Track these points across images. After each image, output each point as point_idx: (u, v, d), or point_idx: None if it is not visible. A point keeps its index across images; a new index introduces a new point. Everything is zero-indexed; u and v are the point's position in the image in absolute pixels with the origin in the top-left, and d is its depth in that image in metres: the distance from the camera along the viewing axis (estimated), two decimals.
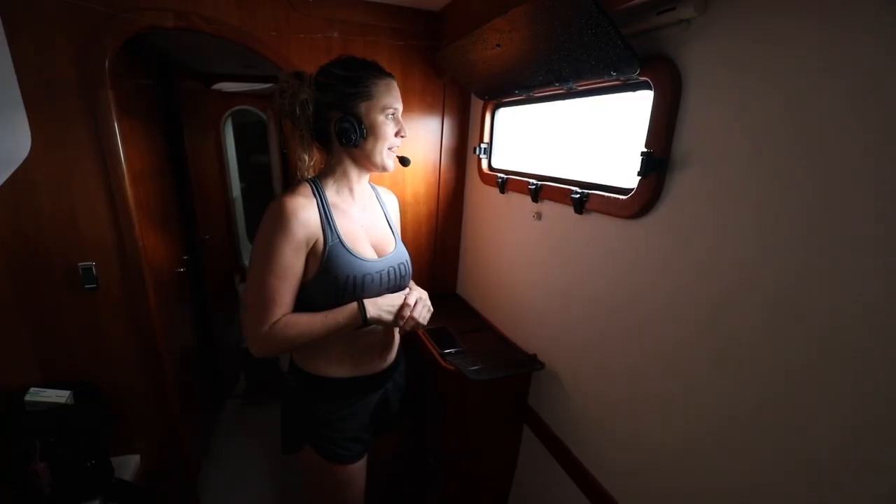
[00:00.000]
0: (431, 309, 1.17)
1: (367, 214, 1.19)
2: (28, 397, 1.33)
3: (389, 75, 1.08)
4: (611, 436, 1.14)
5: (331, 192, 1.11)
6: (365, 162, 1.10)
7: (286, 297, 1.04)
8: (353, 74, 1.05)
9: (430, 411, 1.56)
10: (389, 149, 1.10)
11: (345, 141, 1.05)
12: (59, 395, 1.37)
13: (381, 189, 1.31)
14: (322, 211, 1.06)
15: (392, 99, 1.07)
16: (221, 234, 3.14)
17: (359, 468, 1.24)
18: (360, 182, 1.16)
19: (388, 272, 1.14)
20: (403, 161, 1.19)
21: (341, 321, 1.05)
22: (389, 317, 1.09)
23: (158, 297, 1.57)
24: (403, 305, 1.10)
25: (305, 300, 1.07)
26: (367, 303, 1.07)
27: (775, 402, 0.75)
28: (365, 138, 1.06)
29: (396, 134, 1.10)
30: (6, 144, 1.21)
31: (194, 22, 1.32)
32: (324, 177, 1.13)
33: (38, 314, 1.38)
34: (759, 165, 0.76)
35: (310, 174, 1.14)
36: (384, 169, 1.11)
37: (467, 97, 1.79)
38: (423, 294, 1.18)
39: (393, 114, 1.08)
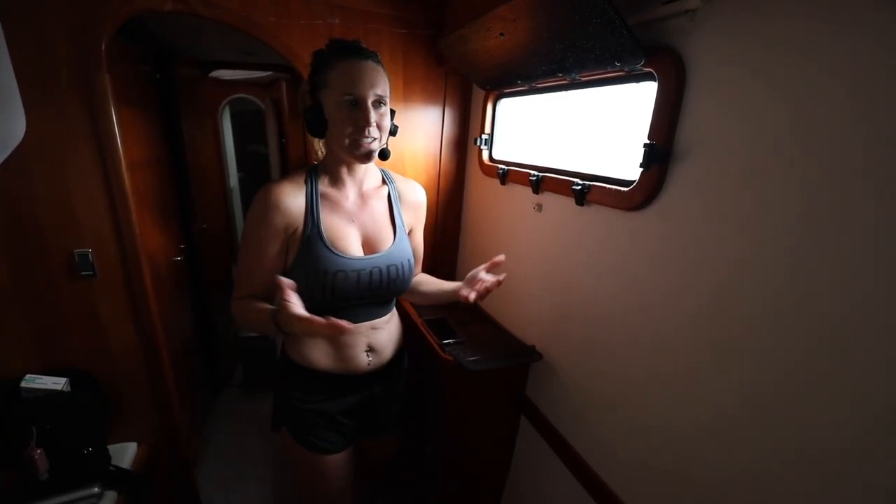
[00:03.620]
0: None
1: (366, 208, 1.13)
2: (24, 384, 1.32)
3: (355, 56, 0.98)
4: (608, 426, 1.15)
5: (324, 182, 1.10)
6: (337, 152, 1.06)
7: (257, 277, 1.07)
8: (318, 61, 1.02)
9: (429, 402, 1.56)
10: (356, 140, 1.00)
11: (310, 130, 1.06)
12: (56, 383, 1.36)
13: (404, 182, 1.25)
14: (309, 199, 1.05)
15: (349, 83, 0.97)
16: (219, 223, 3.12)
17: (335, 461, 1.21)
18: (355, 172, 1.11)
19: (371, 273, 1.08)
20: (381, 154, 1.06)
21: (267, 326, 0.97)
22: (293, 328, 0.89)
23: (156, 285, 1.56)
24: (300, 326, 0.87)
25: None
26: (279, 318, 0.92)
27: (774, 392, 0.75)
28: (329, 129, 1.03)
29: (359, 123, 0.98)
30: (0, 128, 1.19)
31: (192, 6, 1.29)
32: (321, 165, 1.12)
33: (34, 301, 1.37)
34: (761, 159, 0.75)
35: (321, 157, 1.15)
36: (353, 161, 1.06)
37: (469, 87, 1.78)
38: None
39: (351, 101, 0.98)
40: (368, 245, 1.12)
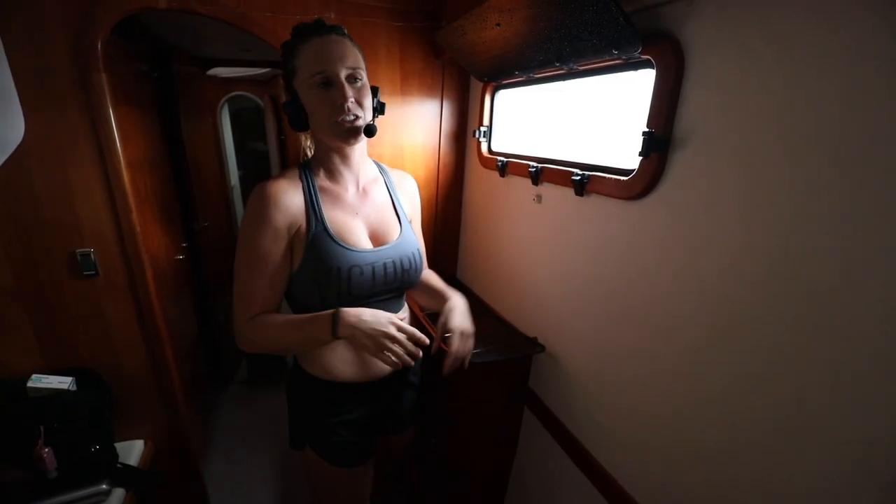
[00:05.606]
0: (470, 347, 1.03)
1: (368, 200, 1.08)
2: (30, 384, 1.33)
3: (317, 34, 0.93)
4: (611, 416, 1.15)
5: (320, 176, 1.03)
6: (324, 140, 1.00)
7: (265, 290, 0.97)
8: (285, 51, 0.97)
9: (432, 395, 1.56)
10: (339, 121, 0.93)
11: (292, 126, 1.00)
12: (62, 382, 1.37)
13: (395, 172, 1.20)
14: (308, 196, 0.98)
15: (316, 62, 0.91)
16: (220, 222, 3.13)
17: (361, 472, 1.18)
18: (349, 163, 1.04)
19: (385, 265, 1.02)
20: (367, 131, 0.97)
21: (312, 332, 0.94)
22: (368, 343, 0.89)
23: (158, 283, 1.57)
24: (387, 335, 0.89)
25: (291, 291, 1.02)
26: (346, 316, 0.90)
27: (772, 376, 0.76)
28: (310, 118, 0.97)
29: (336, 102, 0.92)
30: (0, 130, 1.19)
31: (188, 2, 1.29)
32: (314, 160, 1.07)
33: (38, 301, 1.38)
34: (759, 147, 0.75)
35: (310, 156, 1.10)
36: (340, 144, 0.99)
37: (466, 79, 1.77)
38: (463, 325, 1.03)
39: (322, 81, 0.92)
40: (376, 237, 1.06)
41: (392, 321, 0.91)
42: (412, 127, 1.73)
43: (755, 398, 0.79)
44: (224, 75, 3.27)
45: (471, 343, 1.05)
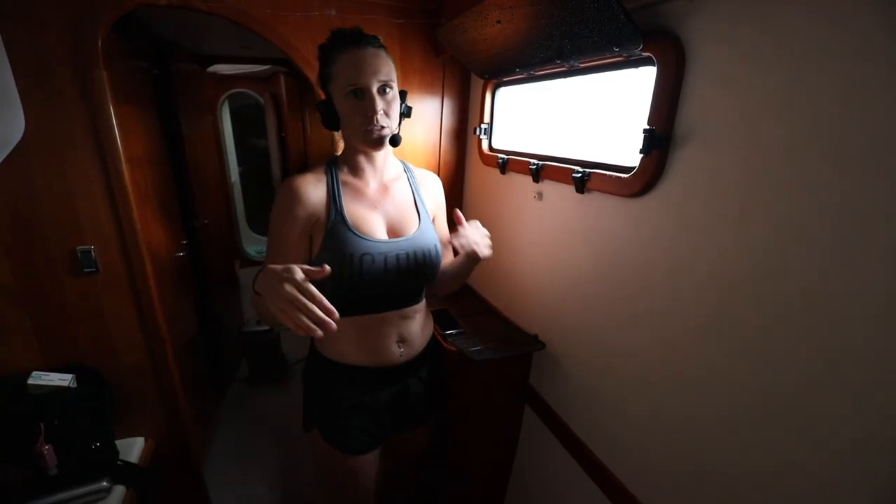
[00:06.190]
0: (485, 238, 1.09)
1: (388, 196, 1.13)
2: (31, 381, 1.33)
3: (355, 44, 0.97)
4: (612, 413, 1.15)
5: (344, 172, 1.11)
6: (352, 142, 1.07)
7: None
8: (322, 54, 1.02)
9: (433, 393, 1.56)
10: (367, 130, 0.99)
11: (325, 124, 1.07)
12: (62, 379, 1.37)
13: (420, 171, 1.25)
14: (331, 189, 1.06)
15: (353, 74, 0.96)
16: (220, 219, 3.12)
17: (366, 461, 1.19)
18: (374, 161, 1.11)
19: (398, 256, 1.06)
20: (392, 140, 1.07)
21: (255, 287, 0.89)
22: (271, 303, 0.75)
23: (158, 281, 1.57)
24: (279, 294, 0.73)
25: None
26: (263, 273, 0.82)
27: (774, 376, 0.75)
28: (341, 120, 1.04)
29: (366, 114, 0.98)
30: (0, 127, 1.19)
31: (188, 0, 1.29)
32: (341, 157, 1.13)
33: (38, 299, 1.38)
34: (760, 145, 0.75)
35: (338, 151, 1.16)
36: (367, 149, 1.06)
37: (467, 76, 1.77)
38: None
39: (355, 92, 0.97)
40: (393, 231, 1.11)
41: (291, 275, 0.74)
42: (413, 125, 1.73)
43: (756, 397, 0.79)
44: (224, 72, 3.27)
45: (486, 239, 1.11)
